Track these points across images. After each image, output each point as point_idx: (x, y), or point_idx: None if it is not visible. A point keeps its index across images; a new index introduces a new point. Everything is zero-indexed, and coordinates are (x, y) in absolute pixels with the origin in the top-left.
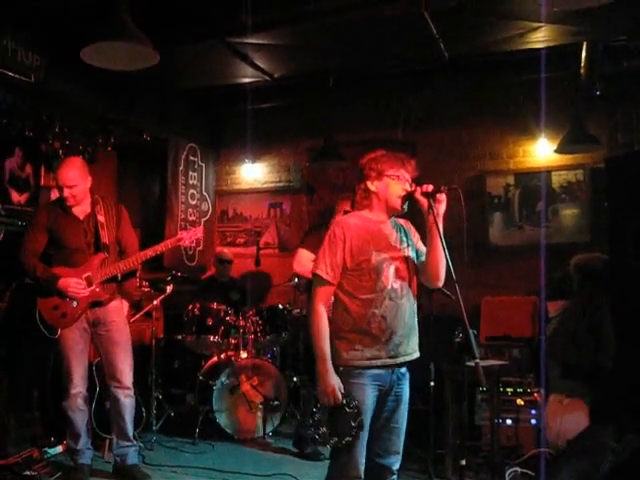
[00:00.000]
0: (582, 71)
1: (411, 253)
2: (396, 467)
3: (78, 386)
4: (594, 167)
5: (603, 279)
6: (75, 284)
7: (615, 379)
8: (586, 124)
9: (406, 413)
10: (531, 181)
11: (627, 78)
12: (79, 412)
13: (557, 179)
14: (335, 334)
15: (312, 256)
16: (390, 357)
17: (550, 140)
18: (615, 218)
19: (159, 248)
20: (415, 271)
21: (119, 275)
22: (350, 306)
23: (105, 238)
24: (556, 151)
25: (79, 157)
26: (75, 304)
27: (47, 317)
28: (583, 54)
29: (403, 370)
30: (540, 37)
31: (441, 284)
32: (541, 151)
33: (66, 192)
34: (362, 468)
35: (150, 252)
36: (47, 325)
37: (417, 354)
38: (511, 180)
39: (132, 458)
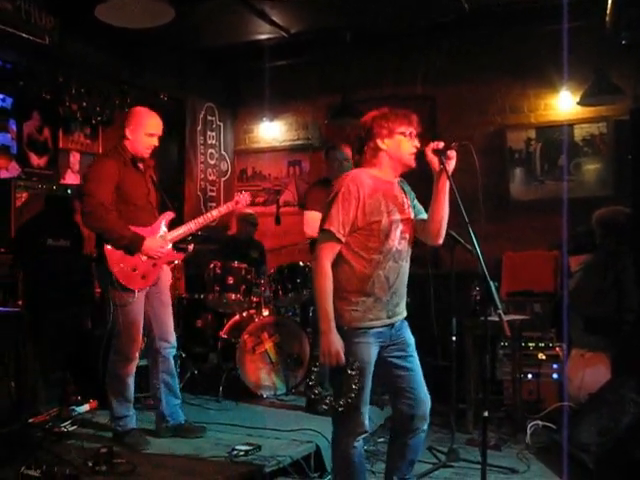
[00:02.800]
0: (607, 19)
1: (412, 213)
2: (427, 411)
3: (138, 350)
4: (617, 119)
5: (626, 232)
6: (160, 244)
7: (637, 333)
8: (610, 75)
9: (417, 358)
10: (553, 135)
11: None
12: (133, 377)
13: (579, 132)
14: (337, 294)
15: (319, 215)
16: (388, 317)
17: (572, 93)
18: (639, 171)
19: (222, 209)
20: (414, 231)
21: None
22: (355, 266)
23: (165, 197)
24: (579, 103)
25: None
26: (154, 265)
27: (125, 280)
28: (609, 0)
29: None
30: None
31: (441, 242)
32: (563, 104)
33: (156, 142)
34: (367, 422)
35: (215, 212)
36: (125, 288)
37: (406, 313)
38: (532, 134)
39: (182, 415)
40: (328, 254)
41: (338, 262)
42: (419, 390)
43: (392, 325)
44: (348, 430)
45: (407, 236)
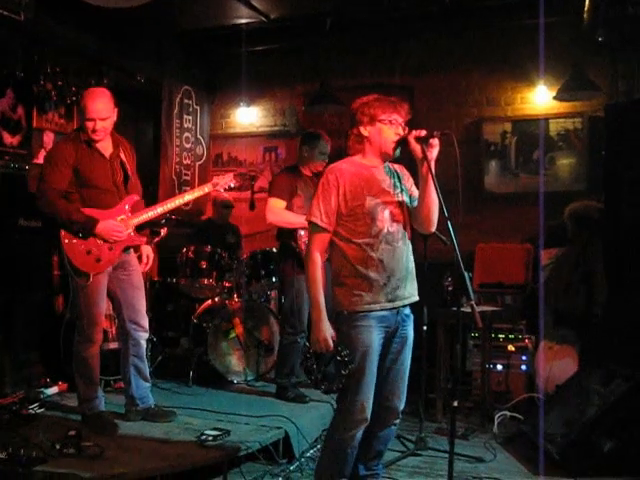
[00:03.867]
0: (585, 16)
1: (405, 198)
2: (401, 409)
3: (100, 332)
4: (592, 115)
5: (597, 227)
6: (116, 228)
7: (605, 326)
8: (587, 71)
9: (410, 355)
10: (528, 128)
11: (631, 24)
12: (97, 358)
13: (555, 127)
14: (334, 280)
15: (283, 204)
16: (389, 301)
17: (549, 87)
18: (611, 166)
19: (196, 192)
20: (409, 216)
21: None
22: (347, 251)
23: (134, 179)
24: (555, 98)
25: (105, 88)
26: (111, 249)
27: (79, 263)
28: None
29: (407, 311)
30: None
31: (434, 229)
32: (539, 98)
33: (98, 125)
34: (369, 410)
35: (188, 196)
36: (78, 271)
37: (416, 297)
38: (508, 127)
39: (151, 399)
40: (316, 244)
41: (333, 251)
42: (401, 385)
43: (396, 310)
44: (346, 417)
45: (400, 219)
